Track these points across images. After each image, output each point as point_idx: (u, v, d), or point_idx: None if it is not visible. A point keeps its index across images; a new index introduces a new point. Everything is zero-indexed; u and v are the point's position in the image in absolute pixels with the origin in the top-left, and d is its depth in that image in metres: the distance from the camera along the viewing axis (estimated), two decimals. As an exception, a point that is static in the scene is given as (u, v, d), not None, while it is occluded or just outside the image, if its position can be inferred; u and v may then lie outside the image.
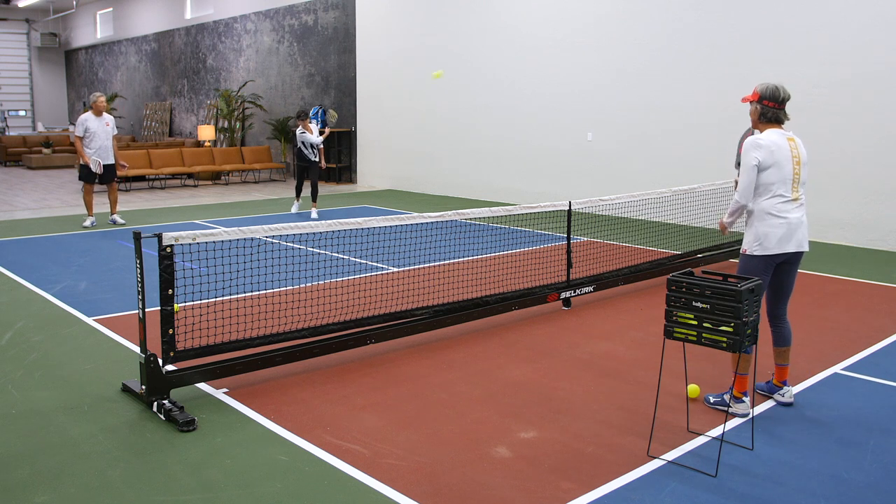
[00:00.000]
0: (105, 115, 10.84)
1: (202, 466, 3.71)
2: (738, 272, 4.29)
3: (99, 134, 10.74)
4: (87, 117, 10.71)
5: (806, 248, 4.34)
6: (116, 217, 11.38)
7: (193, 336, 5.09)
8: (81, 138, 10.70)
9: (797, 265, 4.43)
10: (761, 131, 4.33)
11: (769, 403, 4.50)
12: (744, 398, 4.29)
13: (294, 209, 12.80)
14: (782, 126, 4.34)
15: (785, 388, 4.50)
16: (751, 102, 4.37)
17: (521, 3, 13.61)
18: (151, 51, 25.90)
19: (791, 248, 4.26)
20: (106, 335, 5.84)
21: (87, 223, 11.08)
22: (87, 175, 10.90)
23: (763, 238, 4.23)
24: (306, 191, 12.86)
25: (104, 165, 10.83)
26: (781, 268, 4.39)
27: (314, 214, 12.23)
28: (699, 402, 4.48)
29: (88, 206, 11.16)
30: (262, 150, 18.49)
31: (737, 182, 4.34)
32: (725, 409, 4.25)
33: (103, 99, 10.79)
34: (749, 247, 4.30)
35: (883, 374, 5.03)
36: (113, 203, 11.37)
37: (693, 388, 4.51)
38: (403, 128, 16.29)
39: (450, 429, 4.14)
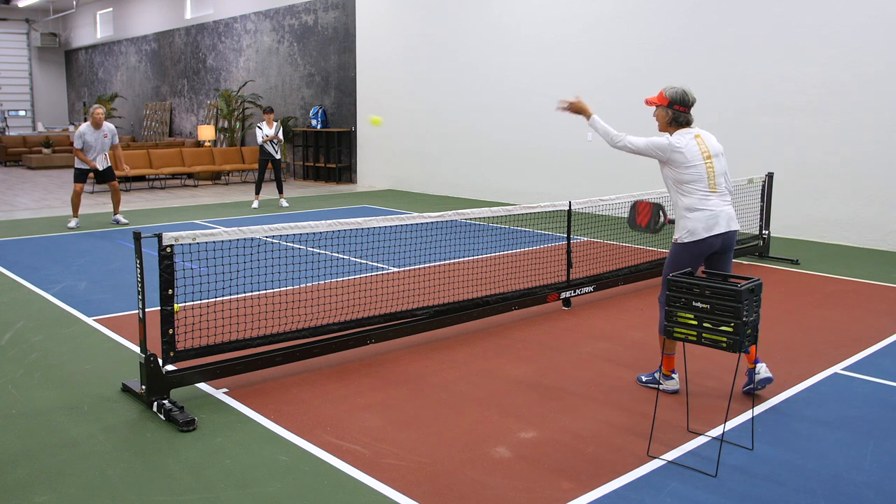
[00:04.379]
0: (105, 126, 10.81)
1: (202, 466, 3.71)
2: (668, 263, 4.49)
3: (95, 147, 10.77)
4: (85, 130, 10.72)
5: (736, 227, 4.48)
6: (119, 217, 11.37)
7: (193, 336, 5.08)
8: (81, 149, 10.73)
9: (730, 253, 4.55)
10: (671, 133, 4.48)
11: (768, 404, 4.50)
12: (672, 375, 4.58)
13: (255, 205, 13.24)
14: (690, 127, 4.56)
15: (757, 365, 4.51)
16: (657, 106, 4.53)
17: (522, 2, 13.60)
18: (151, 51, 25.90)
19: (720, 230, 4.40)
20: (106, 335, 5.84)
21: (72, 224, 11.02)
22: (78, 175, 10.90)
23: (692, 228, 4.39)
24: (269, 193, 13.16)
25: (102, 170, 10.93)
26: (715, 258, 4.52)
27: (284, 203, 13.48)
28: (701, 398, 4.48)
29: (75, 207, 11.08)
30: (262, 150, 18.49)
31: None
32: (657, 386, 4.49)
33: (101, 111, 10.76)
34: (679, 236, 4.46)
35: (883, 374, 5.03)
36: (116, 204, 11.36)
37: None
38: (403, 128, 16.28)
39: (450, 429, 4.14)
